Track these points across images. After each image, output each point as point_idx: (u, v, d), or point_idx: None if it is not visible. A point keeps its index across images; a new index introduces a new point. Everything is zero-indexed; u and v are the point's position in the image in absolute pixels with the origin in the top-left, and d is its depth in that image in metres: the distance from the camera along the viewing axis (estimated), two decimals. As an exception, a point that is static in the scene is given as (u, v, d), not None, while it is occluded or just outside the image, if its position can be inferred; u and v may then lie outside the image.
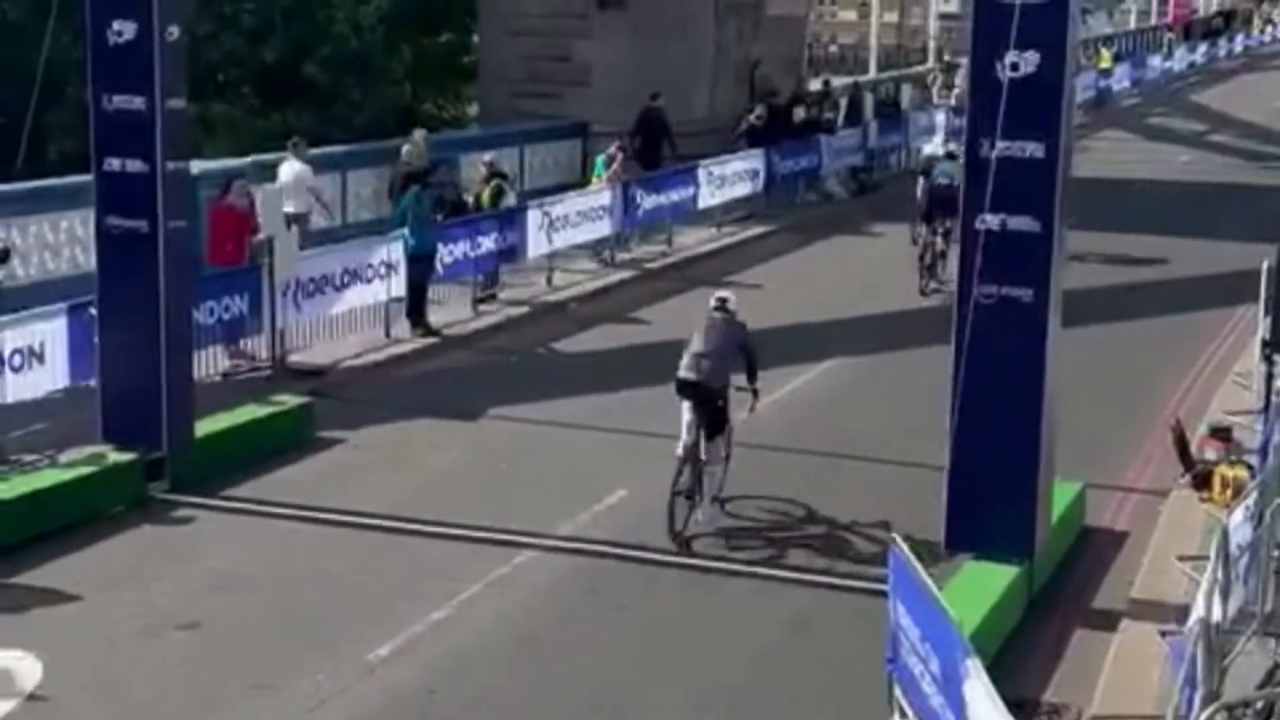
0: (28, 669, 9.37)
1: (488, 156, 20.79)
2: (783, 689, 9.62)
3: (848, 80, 32.55)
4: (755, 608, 10.78)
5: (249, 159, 20.47)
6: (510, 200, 19.80)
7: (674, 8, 27.35)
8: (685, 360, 11.93)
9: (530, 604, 10.81)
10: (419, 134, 20.81)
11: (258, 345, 15.88)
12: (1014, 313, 10.52)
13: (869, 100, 30.78)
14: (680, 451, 11.76)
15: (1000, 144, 10.29)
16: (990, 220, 10.45)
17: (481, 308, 18.90)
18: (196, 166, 15.97)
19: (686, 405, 11.89)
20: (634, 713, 9.37)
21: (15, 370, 13.16)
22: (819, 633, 10.45)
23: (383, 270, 17.22)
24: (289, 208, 17.57)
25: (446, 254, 18.12)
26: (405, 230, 17.44)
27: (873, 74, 35.34)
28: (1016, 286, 10.54)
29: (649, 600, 10.85)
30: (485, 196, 19.68)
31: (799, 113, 27.10)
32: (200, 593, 10.68)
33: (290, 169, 18.86)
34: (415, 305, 17.60)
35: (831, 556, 11.50)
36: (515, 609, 10.71)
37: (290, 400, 14.42)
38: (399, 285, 17.37)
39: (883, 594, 8.90)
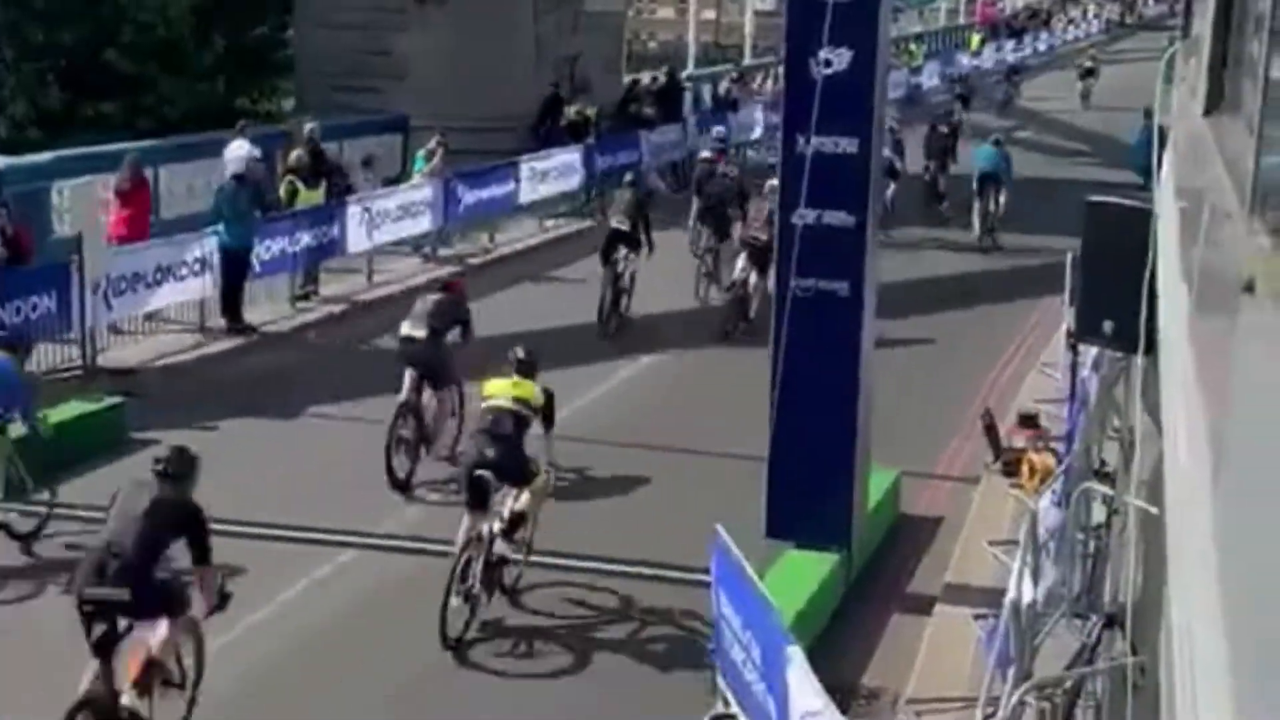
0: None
1: (296, 152, 20.33)
2: (608, 677, 9.68)
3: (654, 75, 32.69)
4: (579, 598, 10.81)
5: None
6: (317, 198, 19.34)
7: (493, 3, 27.25)
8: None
9: (353, 604, 10.69)
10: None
11: (68, 347, 15.44)
12: (830, 305, 10.72)
13: (688, 96, 31.02)
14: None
15: (815, 140, 10.49)
16: (806, 215, 10.64)
17: (300, 305, 18.62)
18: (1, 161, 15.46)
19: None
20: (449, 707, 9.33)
21: None
22: (643, 622, 10.52)
23: (197, 267, 16.86)
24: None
25: (264, 250, 17.82)
26: (220, 226, 17.10)
27: (691, 69, 35.58)
28: (832, 280, 10.75)
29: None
30: (283, 193, 19.33)
31: (568, 112, 26.97)
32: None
33: (240, 147, 19.49)
34: (231, 303, 17.26)
35: (655, 547, 11.58)
36: (338, 609, 10.58)
37: (102, 400, 14.06)
38: (213, 283, 17.03)
39: (706, 584, 9.00)
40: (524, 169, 23.52)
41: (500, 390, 10.82)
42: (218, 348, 16.83)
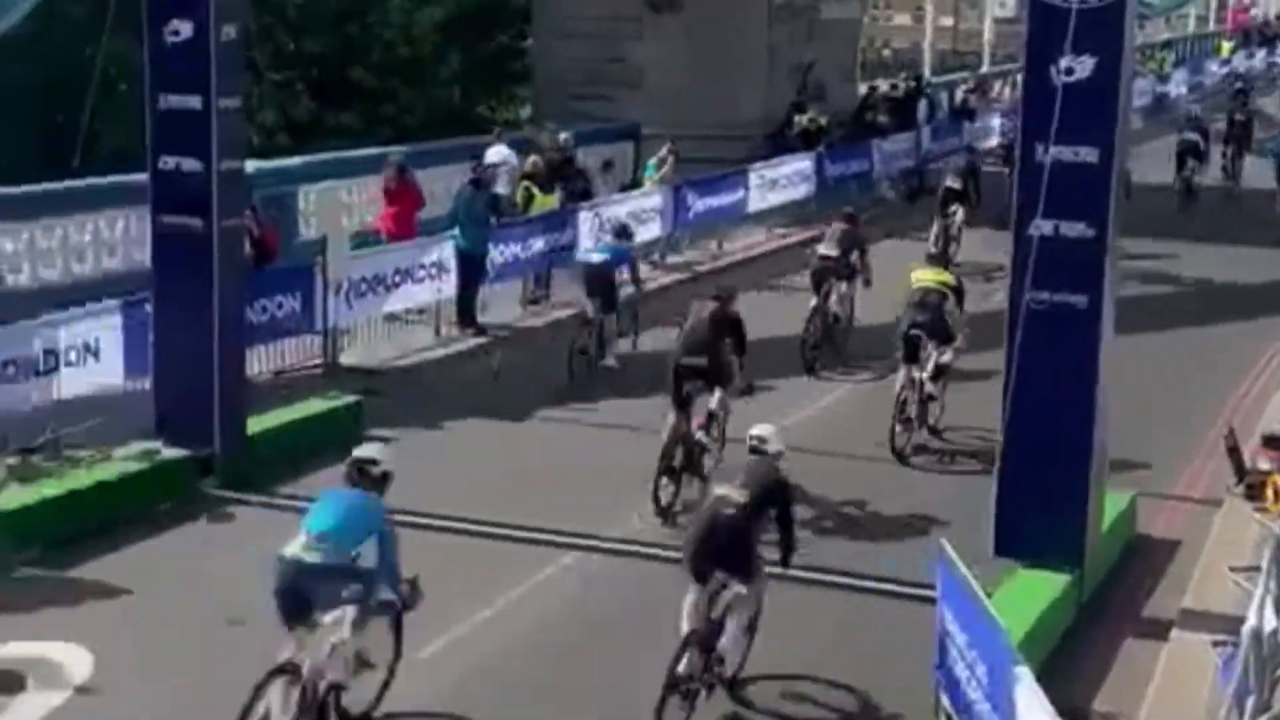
0: (78, 661, 9.46)
1: (533, 158, 20.63)
2: (829, 694, 9.59)
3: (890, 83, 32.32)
4: (799, 613, 10.73)
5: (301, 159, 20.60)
6: (553, 203, 19.69)
7: (727, 11, 27.30)
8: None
9: (576, 606, 10.81)
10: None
11: (310, 344, 15.99)
12: (1067, 319, 10.46)
13: (922, 105, 30.62)
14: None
15: (1054, 149, 10.24)
16: (1043, 226, 10.40)
17: (532, 308, 18.95)
18: (250, 165, 16.05)
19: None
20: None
21: (71, 365, 13.31)
22: (864, 638, 10.41)
23: (434, 270, 17.29)
24: (500, 188, 19.72)
25: (498, 254, 18.19)
26: (456, 231, 17.51)
27: (928, 77, 35.09)
28: (1069, 293, 10.48)
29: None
30: (519, 199, 19.74)
31: (799, 120, 26.79)
32: (248, 589, 10.72)
33: (499, 152, 20.45)
34: (465, 305, 17.66)
35: (878, 562, 11.43)
36: (561, 610, 10.72)
37: (341, 398, 14.51)
38: (450, 285, 17.44)
39: (930, 600, 8.86)
40: (753, 177, 23.52)
41: (926, 276, 14.47)
42: (452, 349, 17.22)
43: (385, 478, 8.89)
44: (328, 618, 8.32)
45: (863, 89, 31.05)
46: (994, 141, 30.12)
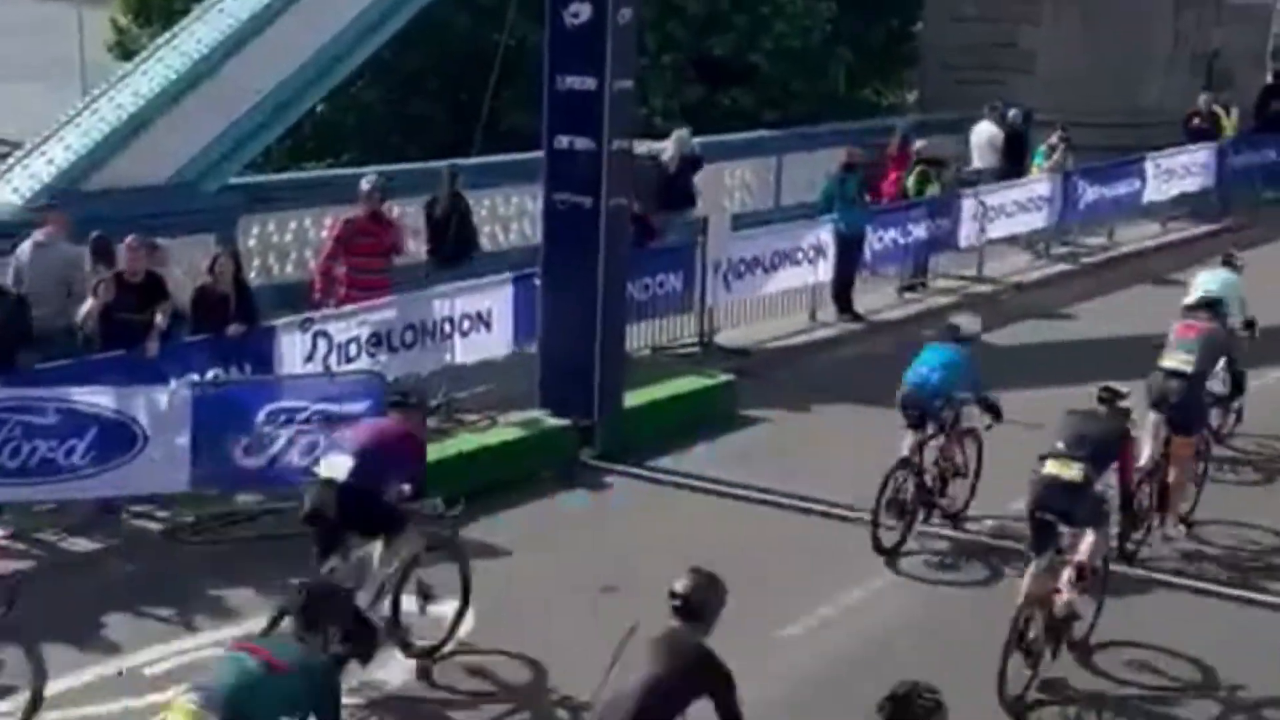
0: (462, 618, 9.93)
1: (919, 143, 20.34)
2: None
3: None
4: (1231, 630, 10.23)
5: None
6: (934, 189, 19.39)
7: (1129, -4, 26.27)
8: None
9: (942, 596, 10.69)
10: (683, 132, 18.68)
11: (686, 323, 16.28)
12: None
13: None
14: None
15: None
16: None
17: (908, 295, 18.75)
18: (641, 147, 16.44)
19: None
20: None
21: (464, 334, 13.99)
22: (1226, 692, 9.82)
23: (811, 253, 17.32)
24: (978, 163, 20.85)
25: (876, 240, 18.06)
26: (835, 214, 17.46)
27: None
28: None
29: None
30: (910, 184, 19.44)
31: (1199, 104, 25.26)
32: (621, 557, 11.07)
33: (985, 129, 21.19)
34: (841, 289, 17.63)
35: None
36: (927, 599, 10.61)
37: (716, 377, 14.74)
38: (826, 269, 17.44)
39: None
40: (1149, 166, 22.55)
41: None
42: (826, 334, 17.23)
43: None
44: None
45: (1269, 78, 29.27)
46: None
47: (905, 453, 11.35)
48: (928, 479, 11.48)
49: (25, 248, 12.64)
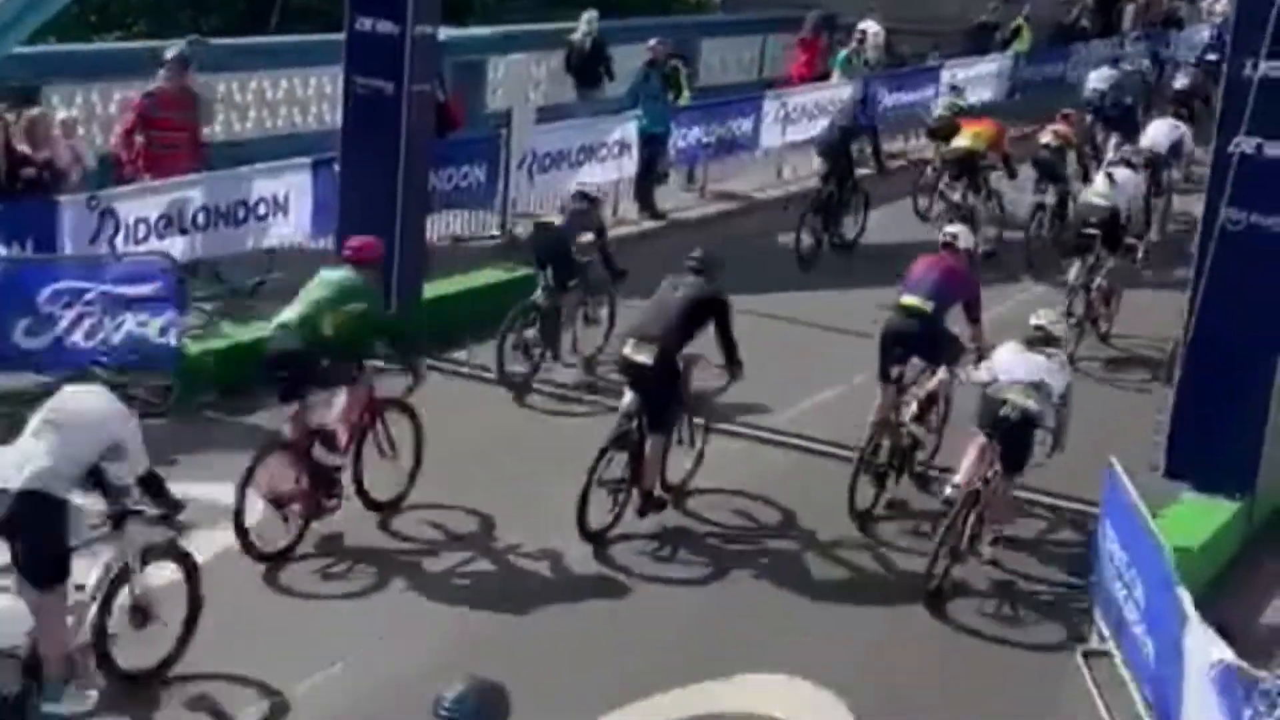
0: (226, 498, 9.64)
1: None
2: (978, 603, 9.57)
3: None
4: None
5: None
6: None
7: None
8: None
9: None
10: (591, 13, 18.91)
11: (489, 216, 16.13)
12: (1262, 242, 10.12)
13: (1130, 10, 29.44)
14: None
15: (1264, 64, 9.86)
16: (1245, 144, 10.05)
17: (707, 194, 18.84)
18: (443, 33, 16.14)
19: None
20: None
21: (259, 219, 13.65)
22: (1023, 549, 10.32)
23: (616, 150, 17.28)
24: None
25: (680, 139, 18.08)
26: (639, 110, 17.41)
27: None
28: (1269, 215, 10.13)
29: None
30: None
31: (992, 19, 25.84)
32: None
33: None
34: (643, 186, 17.65)
35: (1041, 475, 11.27)
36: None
37: (516, 271, 14.66)
38: (631, 166, 17.42)
39: (1091, 516, 8.76)
40: (944, 74, 22.88)
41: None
42: (626, 230, 17.21)
43: None
44: None
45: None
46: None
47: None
48: None
49: None
